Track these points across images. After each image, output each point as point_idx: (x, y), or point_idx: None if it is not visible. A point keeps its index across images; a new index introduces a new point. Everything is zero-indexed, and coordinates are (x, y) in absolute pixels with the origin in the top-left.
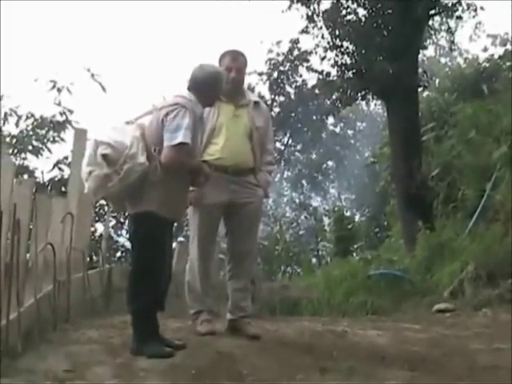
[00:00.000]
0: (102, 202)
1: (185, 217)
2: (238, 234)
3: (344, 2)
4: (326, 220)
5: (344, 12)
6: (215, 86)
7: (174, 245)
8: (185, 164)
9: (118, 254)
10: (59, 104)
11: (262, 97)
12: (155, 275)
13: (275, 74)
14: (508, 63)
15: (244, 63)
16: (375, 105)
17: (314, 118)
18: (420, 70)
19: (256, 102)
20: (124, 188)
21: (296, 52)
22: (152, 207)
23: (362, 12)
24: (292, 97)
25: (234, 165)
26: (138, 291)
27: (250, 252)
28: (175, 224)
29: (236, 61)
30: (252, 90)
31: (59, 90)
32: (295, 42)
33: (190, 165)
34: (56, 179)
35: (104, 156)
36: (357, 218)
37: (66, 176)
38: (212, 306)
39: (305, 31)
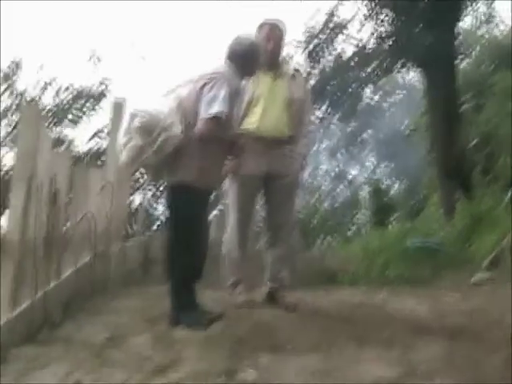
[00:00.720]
0: (139, 173)
1: (221, 188)
2: (274, 205)
3: None
4: (364, 191)
5: None
6: (254, 58)
7: (211, 215)
8: (220, 136)
9: (156, 224)
10: (98, 74)
11: (299, 66)
12: (192, 245)
13: (312, 45)
14: None
15: (282, 33)
16: (412, 75)
17: (351, 88)
18: (458, 40)
19: (294, 74)
20: (159, 159)
21: (335, 20)
22: (188, 178)
23: None
24: (331, 66)
25: (272, 136)
26: (175, 261)
27: (287, 223)
28: (212, 195)
29: (274, 31)
30: (290, 59)
31: (98, 60)
32: (333, 11)
33: (226, 137)
34: (94, 150)
35: (139, 127)
36: (394, 188)
37: (103, 147)
38: (249, 277)
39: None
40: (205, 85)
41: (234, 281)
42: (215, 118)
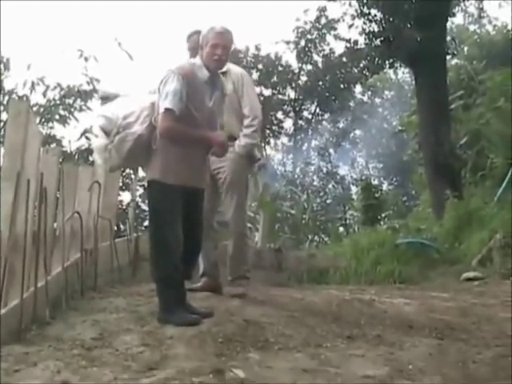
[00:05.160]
0: (129, 170)
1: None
2: (223, 198)
3: None
4: (354, 189)
5: None
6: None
7: None
8: (178, 131)
9: (146, 222)
10: (86, 73)
11: (288, 66)
12: (170, 242)
13: (302, 43)
14: None
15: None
16: (403, 73)
17: (342, 86)
18: (448, 38)
19: (225, 72)
20: (125, 157)
21: (323, 20)
22: (155, 175)
23: None
24: (319, 65)
25: None
26: (157, 260)
27: (234, 220)
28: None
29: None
30: (279, 58)
31: (86, 59)
32: (323, 9)
33: (191, 134)
34: (83, 148)
35: (100, 128)
36: (384, 186)
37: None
38: (214, 272)
39: None
40: (161, 82)
41: (202, 272)
42: (166, 113)
